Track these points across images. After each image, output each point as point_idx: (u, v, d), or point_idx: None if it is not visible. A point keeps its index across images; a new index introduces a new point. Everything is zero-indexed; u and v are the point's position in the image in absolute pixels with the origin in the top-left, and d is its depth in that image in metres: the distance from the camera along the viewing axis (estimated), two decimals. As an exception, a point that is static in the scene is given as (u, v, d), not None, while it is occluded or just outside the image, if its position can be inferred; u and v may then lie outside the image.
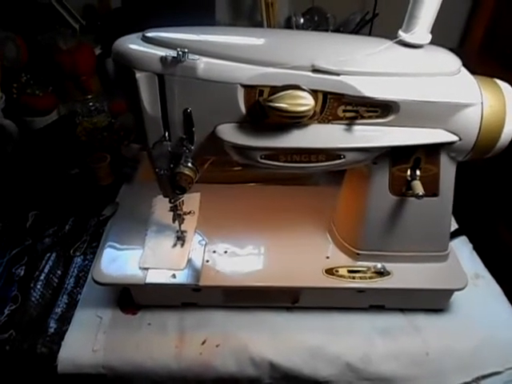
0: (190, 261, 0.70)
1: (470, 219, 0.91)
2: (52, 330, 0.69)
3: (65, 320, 0.71)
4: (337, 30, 1.26)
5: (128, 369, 0.66)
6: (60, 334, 0.69)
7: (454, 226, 0.88)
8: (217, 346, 0.68)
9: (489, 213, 1.08)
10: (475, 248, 0.86)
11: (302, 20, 1.26)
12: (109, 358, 0.66)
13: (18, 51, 1.05)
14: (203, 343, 0.68)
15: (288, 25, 1.25)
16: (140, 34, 0.55)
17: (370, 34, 1.25)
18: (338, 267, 0.70)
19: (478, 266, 0.82)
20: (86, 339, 0.68)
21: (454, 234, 0.85)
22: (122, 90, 0.58)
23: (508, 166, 0.96)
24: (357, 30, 1.24)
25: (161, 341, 0.68)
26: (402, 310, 0.73)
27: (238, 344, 0.68)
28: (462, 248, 0.83)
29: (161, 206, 0.78)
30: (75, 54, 1.08)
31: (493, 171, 1.05)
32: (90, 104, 1.08)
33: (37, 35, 1.11)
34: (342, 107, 0.55)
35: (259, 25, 1.21)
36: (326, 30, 1.25)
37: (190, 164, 0.59)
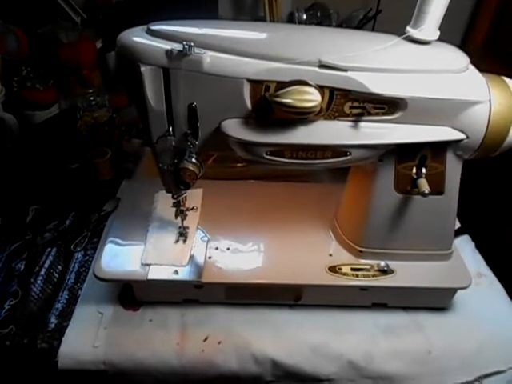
0: (192, 257, 0.70)
1: (472, 218, 0.91)
2: (52, 326, 0.69)
3: (65, 315, 0.70)
4: (339, 26, 1.25)
5: (129, 365, 0.66)
6: (60, 330, 0.68)
7: (457, 224, 0.88)
8: (219, 343, 0.67)
9: (490, 211, 1.07)
10: (477, 247, 0.86)
11: (304, 16, 1.25)
12: (110, 355, 0.66)
13: (19, 44, 1.04)
14: (205, 340, 0.68)
15: (290, 20, 1.25)
16: (145, 27, 0.54)
17: (372, 31, 1.24)
18: (341, 265, 0.69)
19: (481, 265, 0.82)
20: (86, 335, 0.67)
21: (457, 233, 0.85)
22: (125, 84, 0.58)
23: (510, 164, 0.96)
24: (360, 27, 1.23)
25: (162, 337, 0.68)
26: (405, 309, 0.73)
27: (240, 341, 0.68)
28: (464, 246, 0.83)
29: (163, 202, 0.78)
30: (77, 48, 1.06)
31: (494, 169, 1.05)
32: (91, 98, 1.06)
33: (37, 28, 1.09)
34: (349, 103, 0.55)
35: (262, 20, 1.20)
36: (329, 26, 1.24)
37: (194, 159, 0.58)
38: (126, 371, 0.66)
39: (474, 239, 0.87)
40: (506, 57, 1.16)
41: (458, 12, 1.31)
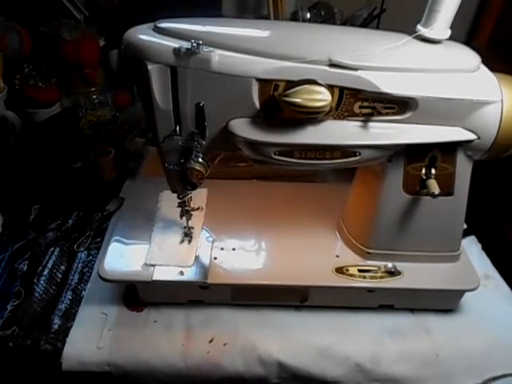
0: (197, 258, 0.69)
1: (479, 219, 0.90)
2: (56, 327, 0.68)
3: (69, 316, 0.70)
4: (344, 25, 1.24)
5: (134, 367, 0.65)
6: (64, 331, 0.67)
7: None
8: (224, 344, 0.67)
9: (497, 212, 1.07)
10: (483, 248, 0.85)
11: (308, 15, 1.24)
12: (114, 356, 0.65)
13: (21, 42, 1.03)
14: (210, 341, 0.67)
15: (294, 19, 1.24)
16: (151, 25, 0.53)
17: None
18: (348, 266, 0.69)
19: (488, 267, 0.81)
20: (90, 336, 0.67)
21: (463, 234, 0.84)
22: (131, 82, 0.57)
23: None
24: (364, 26, 1.22)
25: (167, 339, 0.67)
26: (411, 310, 0.72)
27: (246, 343, 0.67)
28: (471, 248, 0.82)
29: (167, 202, 0.77)
30: (80, 46, 1.05)
31: (500, 170, 1.04)
32: (94, 97, 1.06)
33: (40, 26, 1.08)
34: (359, 103, 0.54)
35: (265, 19, 1.19)
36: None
37: (200, 159, 0.57)
38: (130, 372, 0.65)
39: (480, 240, 0.86)
40: (510, 56, 1.16)
41: (462, 11, 1.29)
